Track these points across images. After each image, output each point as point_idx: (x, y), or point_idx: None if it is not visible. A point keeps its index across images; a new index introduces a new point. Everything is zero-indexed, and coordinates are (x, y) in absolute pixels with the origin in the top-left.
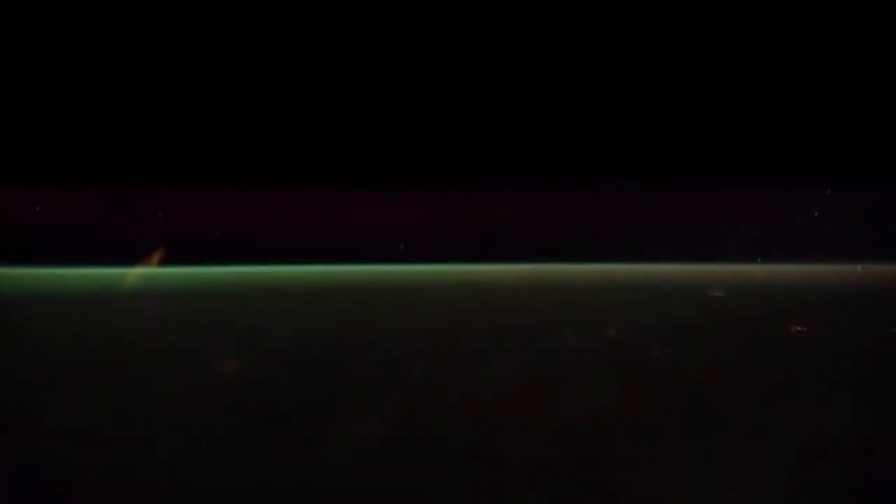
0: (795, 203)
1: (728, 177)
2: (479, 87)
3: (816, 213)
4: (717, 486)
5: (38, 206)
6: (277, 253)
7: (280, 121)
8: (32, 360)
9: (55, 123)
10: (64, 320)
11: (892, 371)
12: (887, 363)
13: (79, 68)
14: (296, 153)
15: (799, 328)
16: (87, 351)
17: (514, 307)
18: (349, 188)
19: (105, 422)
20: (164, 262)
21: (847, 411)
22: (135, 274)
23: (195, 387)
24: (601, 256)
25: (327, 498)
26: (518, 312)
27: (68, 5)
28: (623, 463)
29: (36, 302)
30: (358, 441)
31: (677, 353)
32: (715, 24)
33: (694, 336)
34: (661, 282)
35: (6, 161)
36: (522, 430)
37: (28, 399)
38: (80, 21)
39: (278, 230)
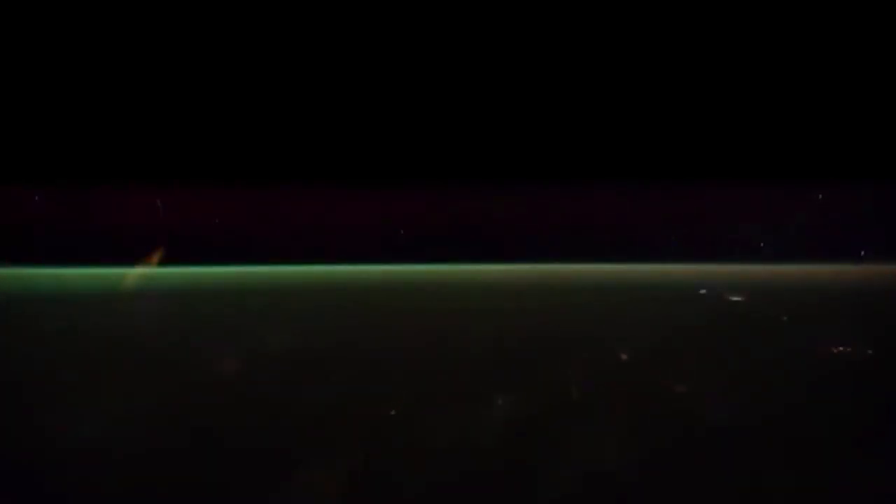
0: (795, 203)
1: (728, 177)
2: (480, 88)
3: (816, 214)
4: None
5: (40, 205)
6: (277, 253)
7: (281, 121)
8: (32, 359)
9: (55, 123)
10: (64, 320)
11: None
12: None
13: (80, 68)
14: (296, 153)
15: (841, 348)
16: (87, 351)
17: (515, 307)
18: (349, 188)
19: (104, 422)
20: (164, 262)
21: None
22: (135, 274)
23: (193, 387)
24: (602, 256)
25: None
26: (518, 313)
27: (69, 5)
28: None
29: (36, 302)
30: (353, 444)
31: (680, 358)
32: (715, 24)
33: (695, 337)
34: (661, 282)
35: (6, 161)
36: (523, 436)
37: (27, 398)
38: (81, 21)
39: (278, 230)
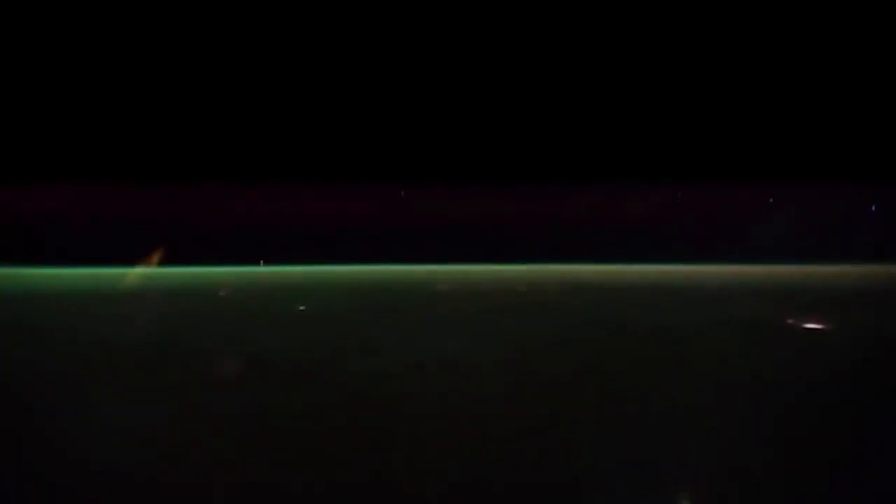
0: (794, 203)
1: (728, 177)
2: (480, 88)
3: (815, 214)
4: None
5: (40, 204)
6: (278, 253)
7: (281, 121)
8: (32, 359)
9: (55, 124)
10: (64, 320)
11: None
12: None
13: (80, 69)
14: (296, 153)
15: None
16: (87, 351)
17: (514, 307)
18: (348, 188)
19: (103, 421)
20: (164, 262)
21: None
22: (135, 274)
23: (192, 387)
24: (602, 257)
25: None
26: (518, 313)
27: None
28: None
29: (36, 302)
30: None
31: (680, 357)
32: (716, 26)
33: (694, 336)
34: (662, 282)
35: (6, 161)
36: (522, 436)
37: (27, 398)
38: (82, 23)
39: (279, 230)
